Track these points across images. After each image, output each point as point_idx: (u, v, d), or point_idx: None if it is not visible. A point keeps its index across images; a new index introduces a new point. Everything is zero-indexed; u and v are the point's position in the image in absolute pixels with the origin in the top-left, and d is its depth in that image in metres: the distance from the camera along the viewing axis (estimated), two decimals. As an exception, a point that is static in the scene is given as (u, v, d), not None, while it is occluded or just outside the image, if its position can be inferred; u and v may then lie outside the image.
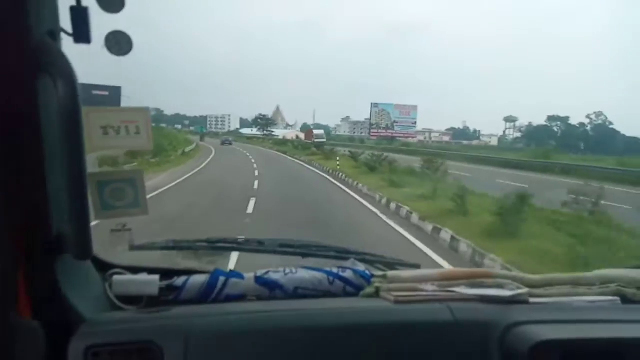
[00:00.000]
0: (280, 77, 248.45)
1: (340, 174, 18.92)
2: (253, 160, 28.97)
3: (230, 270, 1.15)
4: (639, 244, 6.83)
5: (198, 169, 21.78)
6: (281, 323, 0.98)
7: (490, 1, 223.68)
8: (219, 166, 24.78)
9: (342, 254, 1.32)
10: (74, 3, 0.89)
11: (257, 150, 48.85)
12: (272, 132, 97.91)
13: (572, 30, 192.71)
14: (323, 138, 56.72)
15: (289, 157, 35.98)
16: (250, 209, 9.69)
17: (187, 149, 34.80)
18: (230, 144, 59.52)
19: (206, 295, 1.10)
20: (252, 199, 10.94)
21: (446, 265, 5.70)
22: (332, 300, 1.10)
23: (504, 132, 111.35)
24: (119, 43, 0.99)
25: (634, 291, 1.09)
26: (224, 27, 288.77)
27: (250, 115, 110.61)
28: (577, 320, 1.00)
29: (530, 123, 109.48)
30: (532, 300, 1.06)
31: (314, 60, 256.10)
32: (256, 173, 19.79)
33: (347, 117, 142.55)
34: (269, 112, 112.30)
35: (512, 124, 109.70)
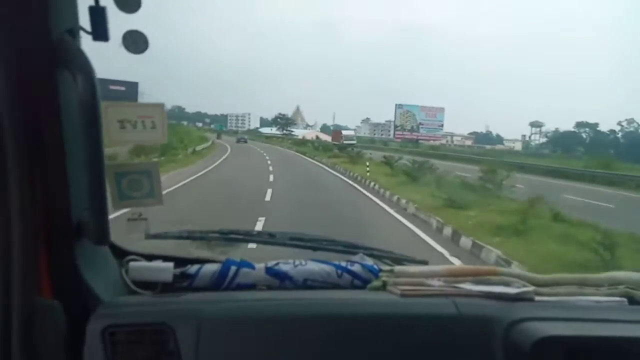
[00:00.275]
0: (300, 77, 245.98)
1: (372, 184, 15.34)
2: (269, 161, 25.54)
3: (242, 260, 1.14)
4: None
5: (205, 171, 18.52)
6: (290, 311, 0.99)
7: (517, 1, 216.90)
8: (230, 168, 21.54)
9: (351, 249, 1.31)
10: (92, 3, 0.91)
11: (275, 150, 45.61)
12: (292, 131, 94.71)
13: (602, 35, 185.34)
14: (353, 140, 52.27)
15: (308, 159, 32.74)
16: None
17: (199, 147, 31.49)
18: (245, 141, 60.03)
19: (218, 283, 1.10)
20: (259, 219, 7.86)
21: None
22: (340, 292, 1.09)
23: (530, 137, 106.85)
24: (135, 42, 0.99)
25: None
26: (244, 27, 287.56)
27: (270, 115, 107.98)
28: (582, 318, 0.97)
29: (557, 129, 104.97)
30: (537, 298, 1.04)
31: (334, 61, 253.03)
32: (271, 178, 16.36)
33: (367, 119, 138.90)
34: (288, 112, 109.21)
35: (538, 129, 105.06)
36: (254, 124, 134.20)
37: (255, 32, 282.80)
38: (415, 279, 1.08)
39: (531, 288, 1.06)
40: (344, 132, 57.16)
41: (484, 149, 75.55)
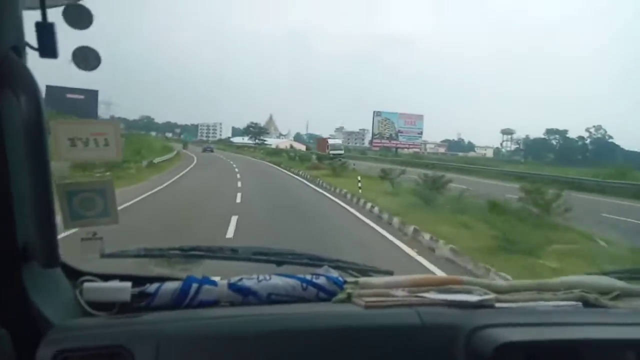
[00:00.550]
0: (273, 87, 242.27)
1: (369, 205, 11.66)
2: (238, 175, 21.82)
3: (204, 277, 1.10)
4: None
5: (155, 190, 14.63)
6: (253, 327, 0.96)
7: (486, 15, 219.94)
8: (189, 185, 17.67)
9: (316, 262, 1.28)
10: (39, 19, 0.89)
11: (246, 160, 41.80)
12: (265, 141, 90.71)
13: (571, 44, 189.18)
14: (340, 149, 46.79)
15: (284, 171, 28.86)
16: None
17: (158, 160, 27.26)
18: (212, 151, 58.60)
19: (179, 301, 1.06)
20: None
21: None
22: (305, 306, 1.07)
23: (501, 144, 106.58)
24: (86, 58, 0.97)
25: (596, 296, 1.08)
26: (216, 36, 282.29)
27: (242, 124, 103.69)
28: (540, 323, 0.99)
29: (527, 136, 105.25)
30: (498, 305, 1.05)
31: (308, 71, 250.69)
32: (238, 198, 12.58)
33: (341, 127, 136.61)
34: (261, 121, 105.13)
35: (509, 136, 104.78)
36: (226, 133, 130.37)
37: (227, 41, 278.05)
38: (379, 290, 1.07)
39: (492, 295, 1.06)
40: (331, 141, 50.78)
41: (457, 156, 73.73)
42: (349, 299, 1.08)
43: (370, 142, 67.60)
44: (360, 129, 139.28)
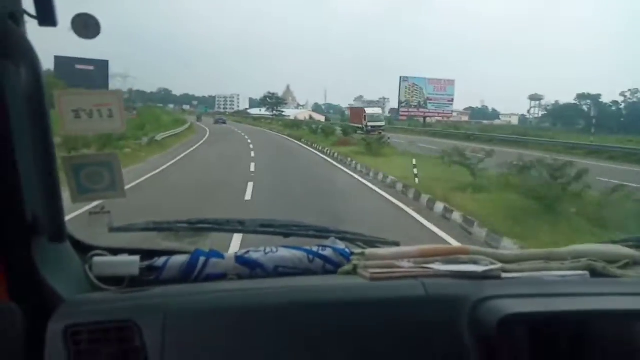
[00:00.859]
0: (290, 56, 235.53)
1: (443, 207, 7.65)
2: (253, 153, 17.91)
3: (211, 250, 1.10)
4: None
5: (148, 176, 11.29)
6: (260, 300, 0.96)
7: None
8: (195, 167, 14.06)
9: (322, 233, 1.27)
10: None
11: (263, 135, 36.53)
12: (282, 112, 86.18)
13: (603, 2, 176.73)
14: (381, 121, 35.99)
15: (307, 148, 24.15)
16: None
17: (161, 136, 23.45)
18: (224, 122, 57.20)
19: (187, 275, 1.06)
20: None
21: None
22: (311, 278, 1.07)
23: (529, 111, 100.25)
24: (86, 26, 0.95)
25: (604, 265, 1.06)
26: (233, 5, 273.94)
27: (259, 96, 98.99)
28: (546, 294, 0.96)
29: (557, 101, 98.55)
30: (504, 275, 1.03)
31: (325, 38, 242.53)
32: (248, 195, 8.68)
33: (361, 97, 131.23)
34: (278, 92, 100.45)
35: (538, 102, 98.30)
36: (243, 105, 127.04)
37: (244, 10, 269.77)
38: (385, 261, 1.06)
39: (498, 265, 1.04)
40: (369, 111, 37.76)
41: (482, 124, 68.43)
42: (354, 270, 1.06)
43: (395, 112, 62.00)
44: (380, 98, 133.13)
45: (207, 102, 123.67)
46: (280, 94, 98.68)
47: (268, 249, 1.12)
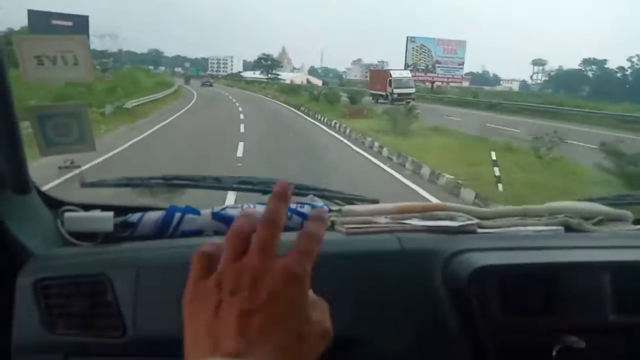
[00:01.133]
0: (284, 15, 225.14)
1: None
2: (242, 127, 14.32)
3: (187, 206, 1.07)
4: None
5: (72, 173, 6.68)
6: None
7: None
8: (164, 151, 9.86)
9: (301, 191, 1.22)
10: None
11: (257, 102, 31.36)
12: (278, 75, 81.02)
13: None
14: (410, 87, 29.37)
15: (309, 120, 19.15)
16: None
17: (132, 103, 18.95)
18: (210, 85, 55.47)
19: (162, 231, 1.05)
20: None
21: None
22: (289, 234, 0.94)
23: (531, 76, 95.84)
24: None
25: (579, 221, 1.07)
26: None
27: (254, 58, 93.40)
28: (519, 247, 0.98)
29: (560, 67, 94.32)
30: (480, 230, 1.04)
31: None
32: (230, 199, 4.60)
33: (359, 60, 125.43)
34: (274, 53, 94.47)
35: (541, 67, 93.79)
36: (237, 67, 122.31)
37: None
38: (362, 217, 1.05)
39: (474, 221, 1.04)
40: (395, 74, 30.40)
41: (483, 90, 64.16)
42: (332, 226, 1.05)
43: None
44: (379, 62, 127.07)
45: (200, 64, 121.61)
46: (275, 55, 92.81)
47: (245, 206, 1.09)
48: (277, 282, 0.42)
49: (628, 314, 0.86)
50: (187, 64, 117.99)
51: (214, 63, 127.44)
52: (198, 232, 1.05)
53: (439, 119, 16.23)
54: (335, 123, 16.11)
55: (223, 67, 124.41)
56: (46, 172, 1.12)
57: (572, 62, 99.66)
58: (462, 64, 47.12)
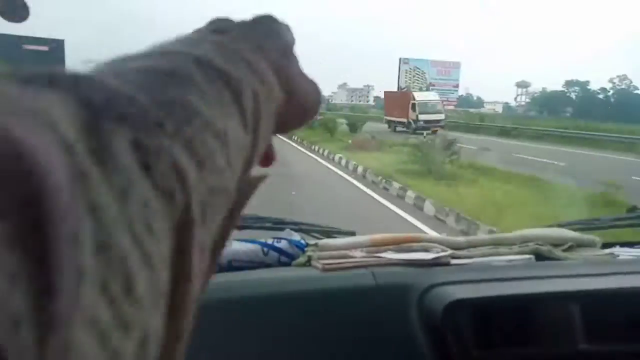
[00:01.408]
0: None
1: None
2: None
3: None
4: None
5: None
6: (212, 295, 0.90)
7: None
8: None
9: (278, 225, 1.24)
10: None
11: None
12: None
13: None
14: (439, 112, 24.52)
15: (307, 153, 15.53)
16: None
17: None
18: None
19: None
20: None
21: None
22: (266, 271, 1.06)
23: (515, 98, 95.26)
24: (13, 8, 0.90)
25: (549, 248, 1.08)
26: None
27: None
28: (491, 278, 0.98)
29: (544, 88, 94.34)
30: (453, 262, 1.04)
31: (306, 23, 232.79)
32: None
33: (344, 84, 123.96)
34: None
35: (525, 89, 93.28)
36: None
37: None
38: (338, 252, 1.05)
39: (448, 252, 1.05)
40: (419, 96, 25.40)
41: (469, 113, 62.28)
42: (308, 262, 1.03)
43: (379, 100, 54.30)
44: (364, 85, 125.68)
45: None
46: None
47: None
48: None
49: (598, 343, 0.87)
50: None
51: None
52: None
53: (476, 154, 13.07)
54: (340, 158, 12.82)
55: None
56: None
57: (555, 84, 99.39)
58: (457, 86, 44.96)
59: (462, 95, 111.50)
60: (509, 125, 25.54)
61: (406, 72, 42.91)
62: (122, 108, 0.17)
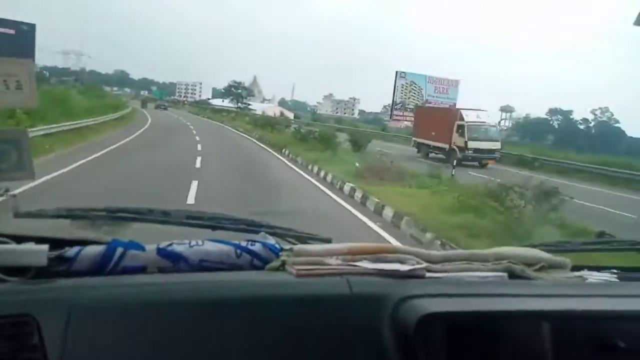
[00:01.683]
0: (256, 46, 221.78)
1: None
2: (192, 194, 8.07)
3: (130, 241, 1.00)
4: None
5: None
6: (181, 295, 0.89)
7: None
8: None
9: (253, 227, 1.20)
10: None
11: (225, 137, 25.23)
12: (249, 105, 74.70)
13: (577, 22, 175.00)
14: (495, 139, 19.47)
15: (306, 177, 11.92)
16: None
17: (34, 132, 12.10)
18: (165, 109, 54.54)
19: (101, 266, 0.96)
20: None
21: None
22: (237, 274, 1.01)
23: (499, 122, 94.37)
24: None
25: (522, 267, 1.08)
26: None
27: (223, 86, 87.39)
28: (465, 294, 0.97)
29: (527, 115, 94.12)
30: (428, 275, 1.03)
31: (294, 30, 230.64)
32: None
33: (330, 95, 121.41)
34: (245, 82, 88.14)
35: (509, 114, 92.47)
36: (206, 94, 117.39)
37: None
38: (314, 258, 1.02)
39: (423, 265, 1.04)
40: (467, 115, 19.92)
41: None
42: (282, 266, 1.01)
43: (363, 114, 51.31)
44: (350, 98, 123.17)
45: (168, 89, 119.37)
46: (246, 84, 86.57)
47: (193, 242, 1.01)
48: None
49: None
50: (153, 87, 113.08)
51: (181, 88, 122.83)
52: (141, 269, 0.97)
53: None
54: (353, 190, 9.44)
55: (191, 93, 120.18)
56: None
57: (538, 111, 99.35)
58: (455, 105, 42.01)
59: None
60: (530, 155, 21.34)
61: (402, 87, 39.75)
62: None
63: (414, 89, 39.61)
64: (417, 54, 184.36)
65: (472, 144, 18.34)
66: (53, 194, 7.08)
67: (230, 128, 34.08)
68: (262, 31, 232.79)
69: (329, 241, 1.20)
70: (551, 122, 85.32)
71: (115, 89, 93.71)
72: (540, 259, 1.11)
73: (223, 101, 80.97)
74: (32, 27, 38.92)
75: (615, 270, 1.21)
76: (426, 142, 21.48)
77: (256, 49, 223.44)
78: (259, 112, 60.67)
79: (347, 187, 9.85)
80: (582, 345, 0.89)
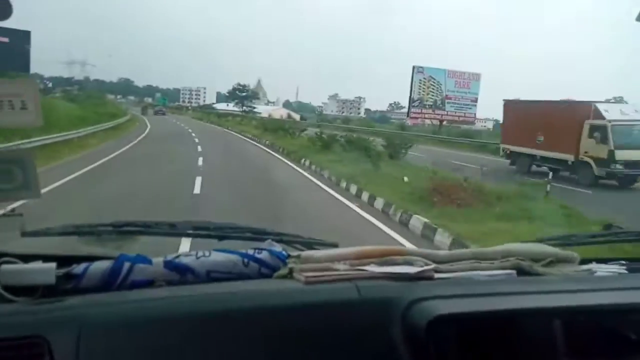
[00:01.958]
0: (260, 49, 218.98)
1: None
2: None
3: (137, 255, 0.99)
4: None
5: None
6: (189, 308, 0.88)
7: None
8: None
9: (259, 235, 1.20)
10: None
11: (232, 144, 22.43)
12: (254, 108, 71.75)
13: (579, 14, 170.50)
14: None
15: (351, 207, 8.24)
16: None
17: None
18: (164, 114, 55.94)
19: (109, 282, 0.95)
20: None
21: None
22: (246, 283, 1.00)
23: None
24: None
25: (530, 263, 1.07)
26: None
27: (227, 90, 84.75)
28: (475, 294, 0.96)
29: None
30: (437, 276, 1.02)
31: (298, 31, 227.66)
32: None
33: (335, 95, 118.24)
34: (249, 84, 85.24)
35: None
36: (210, 99, 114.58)
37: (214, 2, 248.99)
38: (321, 264, 1.01)
39: (431, 266, 1.03)
40: (611, 114, 13.32)
41: (460, 129, 56.64)
42: (290, 274, 1.00)
43: (370, 112, 47.93)
44: (355, 97, 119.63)
45: (172, 95, 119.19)
46: (251, 87, 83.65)
47: (200, 253, 1.01)
48: None
49: (578, 358, 0.88)
50: (158, 94, 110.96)
51: (185, 94, 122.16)
52: (149, 283, 0.96)
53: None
54: (431, 231, 6.21)
55: (196, 98, 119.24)
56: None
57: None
58: (476, 100, 37.96)
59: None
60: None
61: (420, 82, 36.31)
62: None
63: (433, 84, 36.03)
64: (422, 53, 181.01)
65: (620, 154, 12.45)
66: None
67: (236, 134, 30.84)
68: (264, 34, 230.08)
69: (335, 246, 1.19)
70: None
71: (119, 96, 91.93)
72: (548, 254, 1.10)
73: (227, 105, 78.93)
74: (27, 34, 36.05)
75: (623, 262, 1.19)
76: (527, 151, 15.59)
77: (259, 52, 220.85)
78: (264, 114, 57.93)
79: (416, 222, 6.59)
80: (595, 340, 0.88)
